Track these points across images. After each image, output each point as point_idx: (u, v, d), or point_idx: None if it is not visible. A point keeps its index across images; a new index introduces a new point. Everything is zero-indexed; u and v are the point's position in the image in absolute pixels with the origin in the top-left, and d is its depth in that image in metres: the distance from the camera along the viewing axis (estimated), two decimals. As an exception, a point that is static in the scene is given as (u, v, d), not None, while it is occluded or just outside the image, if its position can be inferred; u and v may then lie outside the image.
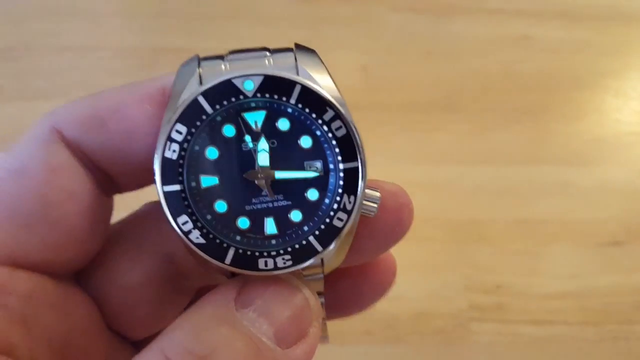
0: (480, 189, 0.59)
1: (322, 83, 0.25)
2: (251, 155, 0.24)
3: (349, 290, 0.30)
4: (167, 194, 0.23)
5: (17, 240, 0.24)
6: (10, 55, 0.64)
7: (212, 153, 0.24)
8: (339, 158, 0.24)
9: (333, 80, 0.25)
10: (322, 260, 0.25)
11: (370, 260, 0.29)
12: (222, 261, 0.23)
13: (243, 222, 0.24)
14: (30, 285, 0.24)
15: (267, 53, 0.26)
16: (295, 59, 0.25)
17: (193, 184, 0.24)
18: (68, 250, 0.25)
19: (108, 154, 0.25)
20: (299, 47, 0.26)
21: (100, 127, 0.25)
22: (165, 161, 0.24)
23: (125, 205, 0.29)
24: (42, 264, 0.25)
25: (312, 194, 0.24)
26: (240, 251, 0.24)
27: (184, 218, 0.23)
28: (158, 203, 0.25)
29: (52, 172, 0.24)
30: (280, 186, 0.24)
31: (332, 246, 0.24)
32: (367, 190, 0.25)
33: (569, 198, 0.59)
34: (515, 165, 0.61)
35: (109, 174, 0.26)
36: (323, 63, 0.25)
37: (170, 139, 0.24)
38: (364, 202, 0.25)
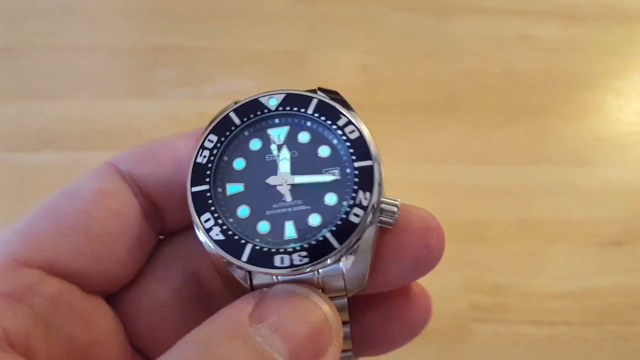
0: (480, 189, 0.59)
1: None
2: (274, 164, 0.26)
3: (379, 326, 0.29)
4: (194, 194, 0.25)
5: (55, 246, 0.25)
6: (9, 54, 0.64)
7: (238, 164, 0.26)
8: (353, 158, 0.26)
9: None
10: (343, 277, 0.25)
11: (398, 287, 0.28)
12: (239, 258, 0.24)
13: (263, 226, 0.25)
14: (58, 291, 0.25)
15: None
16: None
17: (219, 189, 0.26)
18: (103, 264, 0.26)
19: (157, 180, 0.27)
20: (322, 90, 0.28)
21: (151, 158, 0.28)
22: (196, 166, 0.26)
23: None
24: (76, 274, 0.26)
25: (330, 198, 0.25)
26: (257, 247, 0.24)
27: (207, 216, 0.25)
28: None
29: (100, 193, 0.26)
30: (299, 191, 0.26)
31: (348, 241, 0.24)
32: (385, 198, 0.25)
33: (570, 198, 0.59)
34: (515, 165, 0.61)
35: (158, 205, 0.28)
36: (348, 104, 0.28)
37: (202, 147, 0.26)
38: (382, 204, 0.25)
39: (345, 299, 0.26)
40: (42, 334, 0.24)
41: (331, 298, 0.25)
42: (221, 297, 0.28)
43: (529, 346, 0.53)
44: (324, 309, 0.23)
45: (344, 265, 0.25)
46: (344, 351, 0.27)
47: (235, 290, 0.25)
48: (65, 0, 0.67)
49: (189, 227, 0.28)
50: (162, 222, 0.29)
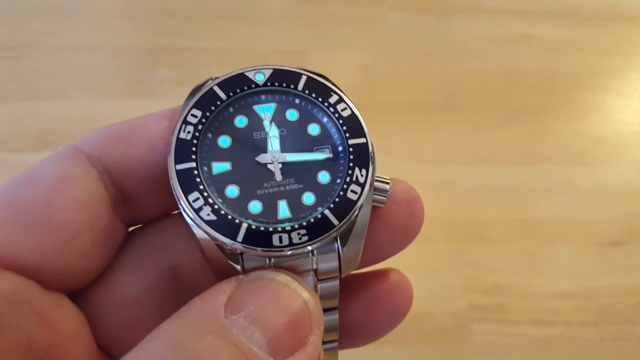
0: (480, 189, 0.59)
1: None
2: (263, 142, 0.25)
3: (360, 317, 0.28)
4: (179, 172, 0.24)
5: (12, 238, 0.23)
6: (9, 54, 0.63)
7: (224, 141, 0.25)
8: (347, 135, 0.25)
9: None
10: (339, 257, 0.24)
11: (385, 259, 0.28)
12: (234, 238, 0.23)
13: (255, 206, 0.24)
14: (14, 287, 0.23)
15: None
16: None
17: (205, 168, 0.24)
18: (65, 258, 0.24)
19: (128, 165, 0.25)
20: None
21: (121, 140, 0.25)
22: (179, 141, 0.24)
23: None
24: (35, 268, 0.23)
25: (323, 177, 0.25)
26: (253, 227, 0.23)
27: (195, 195, 0.23)
28: (163, 216, 0.25)
29: (62, 180, 0.24)
30: (290, 170, 0.25)
31: (347, 218, 0.24)
32: (377, 177, 0.25)
33: (570, 198, 0.59)
34: (515, 165, 0.61)
35: (128, 193, 0.26)
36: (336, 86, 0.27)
37: (185, 122, 0.24)
38: (376, 182, 0.25)
39: (338, 281, 0.25)
40: None
41: (323, 280, 0.25)
42: (201, 292, 0.26)
43: (529, 346, 0.52)
44: (304, 297, 0.22)
45: (340, 245, 0.24)
46: (330, 342, 0.27)
47: (225, 278, 0.23)
48: (65, 0, 0.67)
49: (163, 217, 0.27)
50: (132, 213, 0.26)
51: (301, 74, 0.26)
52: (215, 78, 0.26)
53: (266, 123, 0.26)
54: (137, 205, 0.26)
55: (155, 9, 0.68)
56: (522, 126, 0.63)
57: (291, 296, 0.22)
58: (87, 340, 0.25)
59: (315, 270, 0.24)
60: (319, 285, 0.25)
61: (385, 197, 0.25)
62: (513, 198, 0.59)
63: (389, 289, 0.28)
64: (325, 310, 0.24)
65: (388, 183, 0.25)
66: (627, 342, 0.53)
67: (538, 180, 0.60)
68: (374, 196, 0.25)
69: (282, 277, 0.23)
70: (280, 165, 0.25)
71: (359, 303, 0.28)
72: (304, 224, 0.23)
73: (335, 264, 0.24)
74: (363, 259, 0.25)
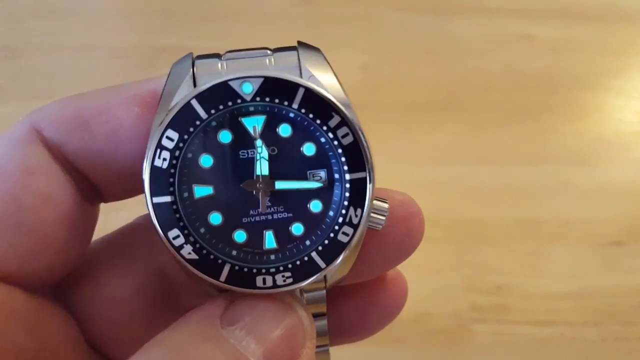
0: (480, 189, 0.59)
1: (326, 82, 0.23)
2: (249, 164, 0.22)
3: (356, 313, 0.28)
4: (156, 206, 0.22)
5: None
6: (8, 54, 0.63)
7: (206, 161, 0.22)
8: (345, 168, 0.23)
9: (338, 80, 0.23)
10: (324, 276, 0.23)
11: (378, 275, 0.27)
12: (217, 278, 0.22)
13: (240, 236, 0.22)
14: None
15: (268, 52, 0.24)
16: (299, 58, 0.24)
17: (186, 194, 0.22)
18: (42, 259, 0.23)
19: (91, 158, 0.23)
20: (303, 45, 0.24)
21: (83, 128, 0.23)
22: (154, 170, 0.22)
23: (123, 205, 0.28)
24: (12, 273, 0.22)
25: (315, 206, 0.23)
26: (237, 267, 0.22)
27: (175, 232, 0.22)
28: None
29: (27, 174, 0.22)
30: (280, 197, 0.23)
31: (337, 261, 0.22)
32: (375, 202, 0.23)
33: (570, 198, 0.59)
34: (516, 165, 0.61)
35: (93, 181, 0.24)
36: (328, 62, 0.24)
37: (160, 146, 0.22)
38: (372, 214, 0.23)
39: (324, 291, 0.24)
40: None
41: (310, 290, 0.24)
42: (188, 293, 0.27)
43: (530, 346, 0.52)
44: (298, 311, 0.22)
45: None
46: (321, 346, 0.26)
47: (206, 285, 0.23)
48: (65, 0, 0.67)
49: (150, 217, 0.26)
50: (99, 195, 0.25)
51: (298, 87, 0.22)
52: (197, 57, 0.23)
53: (255, 141, 0.23)
54: (104, 189, 0.25)
55: (155, 9, 0.67)
56: (522, 126, 0.63)
57: (286, 310, 0.22)
58: (76, 340, 0.25)
59: None
60: (304, 295, 0.24)
61: (381, 225, 0.23)
62: (513, 198, 0.59)
63: (384, 284, 0.28)
64: (312, 316, 0.24)
65: (385, 212, 0.23)
66: (628, 342, 0.53)
67: (538, 180, 0.60)
68: (369, 224, 0.23)
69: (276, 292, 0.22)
70: (268, 193, 0.23)
71: (355, 298, 0.28)
72: (290, 265, 0.22)
73: (321, 283, 0.24)
74: (354, 273, 0.24)
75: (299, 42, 0.24)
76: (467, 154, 0.61)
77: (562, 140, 0.62)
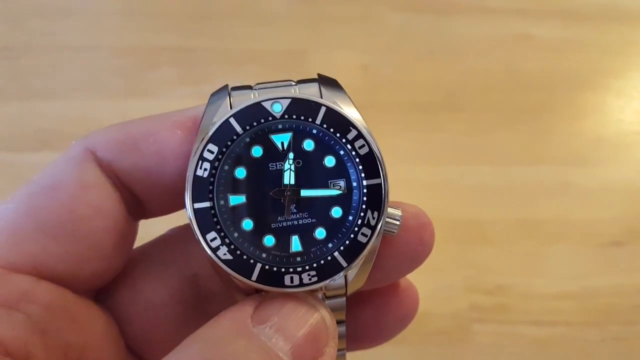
0: (481, 189, 0.59)
1: (347, 112, 0.26)
2: (278, 175, 0.25)
3: (371, 320, 0.30)
4: (197, 211, 0.24)
5: (43, 250, 0.24)
6: (8, 54, 0.63)
7: (240, 173, 0.25)
8: (362, 175, 0.25)
9: (357, 110, 0.26)
10: (345, 279, 0.26)
11: (393, 281, 0.30)
12: (249, 277, 0.24)
13: (269, 240, 0.25)
14: (52, 296, 0.25)
15: (293, 83, 0.27)
16: (320, 88, 0.27)
17: (222, 202, 0.25)
18: (91, 264, 0.26)
19: (139, 174, 0.26)
20: (322, 77, 0.27)
21: (133, 148, 0.26)
22: (196, 179, 0.25)
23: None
24: (65, 276, 0.25)
25: (336, 212, 0.25)
26: (267, 267, 0.24)
27: (212, 235, 0.24)
28: (184, 226, 0.26)
29: (82, 188, 0.25)
30: (305, 204, 0.25)
31: (357, 261, 0.25)
32: (389, 209, 0.26)
33: (571, 198, 0.59)
34: (516, 165, 0.61)
35: (138, 197, 0.27)
36: (345, 92, 0.27)
37: (202, 158, 0.25)
38: (387, 219, 0.25)
39: (344, 298, 0.26)
40: (39, 341, 0.23)
41: (330, 297, 0.26)
42: (218, 300, 0.29)
43: (530, 346, 0.52)
44: (322, 312, 0.24)
45: (348, 272, 0.25)
46: (339, 350, 0.28)
47: (237, 290, 0.25)
48: (65, 0, 0.67)
49: (185, 228, 0.29)
50: (143, 211, 0.28)
51: (320, 106, 0.26)
52: (232, 88, 0.26)
53: (283, 155, 0.26)
54: (146, 205, 0.28)
55: (155, 9, 0.67)
56: (522, 126, 0.63)
57: (310, 311, 0.24)
58: (116, 341, 0.27)
59: (323, 288, 0.25)
60: (326, 302, 0.26)
61: (395, 230, 0.26)
62: (513, 198, 0.59)
63: (397, 294, 0.30)
64: None
65: (399, 219, 0.26)
66: (628, 342, 0.53)
67: (538, 180, 0.60)
68: (385, 230, 0.26)
69: (301, 294, 0.24)
70: (294, 200, 0.25)
71: (370, 308, 0.30)
72: (315, 265, 0.24)
73: (342, 282, 0.26)
74: (370, 280, 0.26)
75: (319, 75, 0.27)
76: (467, 154, 0.61)
77: (562, 140, 0.63)
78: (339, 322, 0.27)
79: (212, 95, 0.26)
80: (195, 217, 0.24)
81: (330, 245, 0.25)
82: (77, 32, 0.65)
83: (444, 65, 0.66)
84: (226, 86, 0.26)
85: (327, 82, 0.27)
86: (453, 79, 0.65)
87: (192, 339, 0.22)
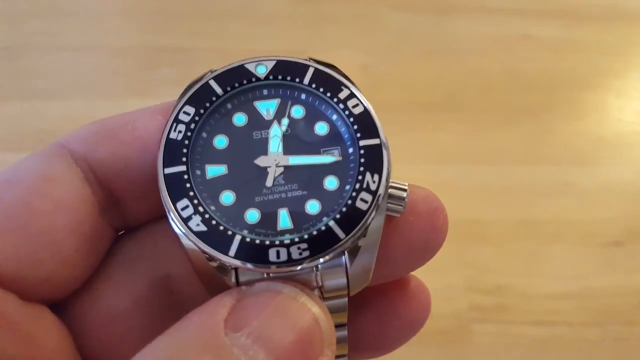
0: (480, 189, 0.59)
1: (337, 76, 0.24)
2: (263, 143, 0.22)
3: (376, 327, 0.25)
4: (167, 176, 0.21)
5: None
6: (8, 54, 0.63)
7: (220, 142, 0.23)
8: (358, 135, 0.22)
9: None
10: (347, 275, 0.21)
11: (400, 276, 0.25)
12: (226, 252, 0.20)
13: (252, 215, 0.21)
14: None
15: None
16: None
17: (198, 172, 0.22)
18: (46, 267, 0.22)
19: (117, 166, 0.23)
20: (315, 61, 0.25)
21: (110, 137, 0.23)
22: (169, 142, 0.22)
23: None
24: (11, 278, 0.21)
25: (331, 182, 0.22)
26: (248, 240, 0.20)
27: (184, 202, 0.21)
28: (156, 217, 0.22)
29: (44, 181, 0.22)
30: (294, 174, 0.22)
31: (356, 231, 0.21)
32: (393, 183, 0.22)
33: (570, 198, 0.59)
34: (516, 165, 0.61)
35: (117, 195, 0.23)
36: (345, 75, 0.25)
37: (177, 120, 0.22)
38: (391, 189, 0.22)
39: (346, 299, 0.22)
40: None
41: (330, 298, 0.22)
42: (196, 305, 0.23)
43: (530, 346, 0.52)
44: (314, 312, 0.20)
45: (347, 260, 0.21)
46: (339, 357, 0.24)
47: (217, 292, 0.21)
48: (65, 0, 0.67)
49: (155, 220, 0.25)
50: (121, 216, 0.24)
51: (308, 66, 0.23)
52: (214, 70, 0.24)
53: (266, 124, 0.23)
54: (126, 208, 0.24)
55: (155, 9, 0.67)
56: (522, 126, 0.63)
57: (300, 311, 0.19)
58: (71, 355, 0.23)
59: (321, 287, 0.21)
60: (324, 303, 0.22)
61: (401, 205, 0.22)
62: (513, 198, 0.59)
63: (406, 297, 0.26)
64: None
65: (405, 190, 0.22)
66: (628, 342, 0.53)
67: (538, 180, 0.60)
68: (389, 205, 0.22)
69: (290, 290, 0.20)
70: (282, 169, 0.22)
71: (373, 311, 0.26)
72: (306, 236, 0.20)
73: (343, 281, 0.21)
74: (376, 275, 0.22)
75: (310, 58, 0.25)
76: (467, 154, 0.61)
77: (561, 140, 0.62)
78: (340, 326, 0.22)
79: (191, 83, 0.24)
80: (165, 183, 0.21)
81: (324, 219, 0.21)
82: (77, 32, 0.65)
83: (444, 65, 0.66)
84: (208, 72, 0.24)
85: (323, 65, 0.24)
86: (453, 79, 0.65)
87: (146, 350, 0.18)
